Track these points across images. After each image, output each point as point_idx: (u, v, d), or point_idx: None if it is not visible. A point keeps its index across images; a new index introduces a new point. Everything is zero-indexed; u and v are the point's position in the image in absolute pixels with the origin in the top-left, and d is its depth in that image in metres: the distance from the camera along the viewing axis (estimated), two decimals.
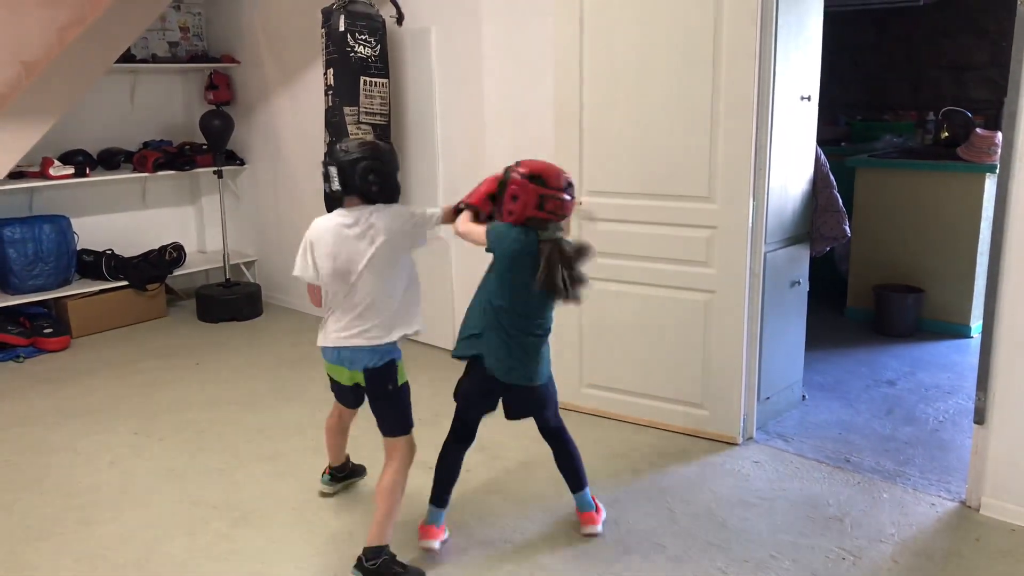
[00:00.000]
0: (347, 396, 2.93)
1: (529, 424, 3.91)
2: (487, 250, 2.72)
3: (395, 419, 2.79)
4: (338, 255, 2.68)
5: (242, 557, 2.88)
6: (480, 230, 2.73)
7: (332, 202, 2.80)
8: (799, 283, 3.86)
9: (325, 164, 2.73)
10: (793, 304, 3.87)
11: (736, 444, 3.62)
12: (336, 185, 2.70)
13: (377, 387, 2.77)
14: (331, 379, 2.92)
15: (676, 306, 3.64)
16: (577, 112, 3.71)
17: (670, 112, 3.50)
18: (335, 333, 2.74)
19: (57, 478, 3.48)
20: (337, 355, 2.77)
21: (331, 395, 3.00)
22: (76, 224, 5.52)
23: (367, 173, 2.68)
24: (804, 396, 4.09)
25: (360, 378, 2.77)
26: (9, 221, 5.23)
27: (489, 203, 2.80)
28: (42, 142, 5.03)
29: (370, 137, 2.71)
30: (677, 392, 3.72)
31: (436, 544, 2.88)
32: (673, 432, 3.74)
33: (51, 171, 5.27)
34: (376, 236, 2.69)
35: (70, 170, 5.34)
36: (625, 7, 3.52)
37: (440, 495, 2.91)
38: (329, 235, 2.71)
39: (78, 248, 5.57)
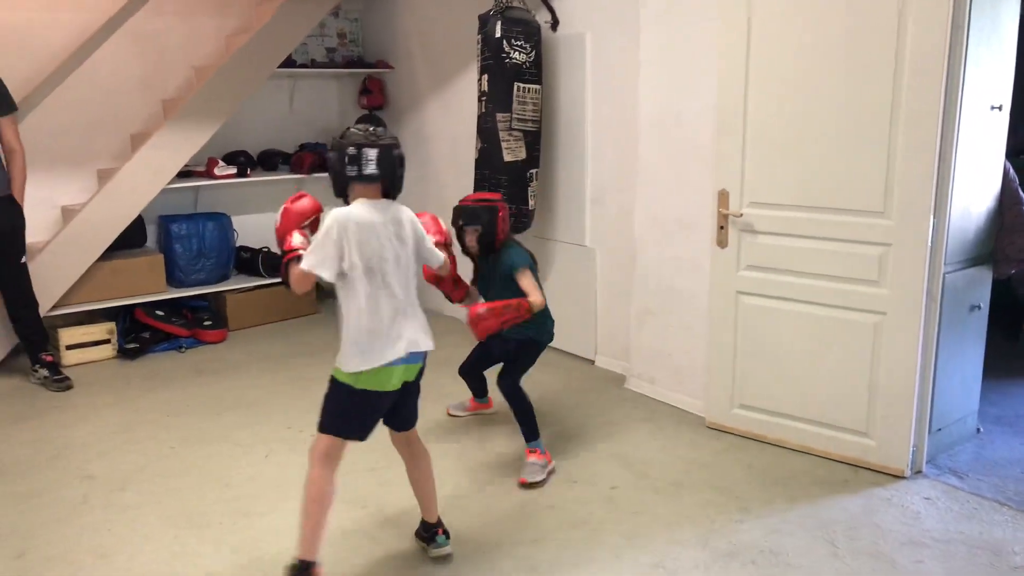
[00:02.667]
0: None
1: (677, 442, 3.79)
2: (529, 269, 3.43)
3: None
4: (367, 248, 2.59)
5: (386, 558, 2.89)
6: (530, 278, 3.38)
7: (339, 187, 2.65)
8: (979, 307, 3.57)
9: (358, 146, 2.54)
10: (971, 330, 3.58)
11: (903, 477, 3.37)
12: (372, 169, 2.55)
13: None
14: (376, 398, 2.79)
15: (842, 327, 3.42)
16: (741, 120, 3.55)
17: (842, 121, 3.30)
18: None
19: (217, 468, 3.62)
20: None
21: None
22: (236, 222, 5.78)
23: (401, 163, 2.61)
24: (979, 429, 3.78)
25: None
26: (176, 218, 5.52)
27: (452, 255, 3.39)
28: (208, 143, 5.30)
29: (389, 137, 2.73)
30: (839, 418, 3.50)
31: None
32: (833, 460, 3.52)
33: (216, 171, 5.53)
34: (405, 237, 2.69)
35: (233, 170, 5.60)
36: (797, 10, 3.34)
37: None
38: (363, 229, 2.56)
39: (237, 245, 5.83)
